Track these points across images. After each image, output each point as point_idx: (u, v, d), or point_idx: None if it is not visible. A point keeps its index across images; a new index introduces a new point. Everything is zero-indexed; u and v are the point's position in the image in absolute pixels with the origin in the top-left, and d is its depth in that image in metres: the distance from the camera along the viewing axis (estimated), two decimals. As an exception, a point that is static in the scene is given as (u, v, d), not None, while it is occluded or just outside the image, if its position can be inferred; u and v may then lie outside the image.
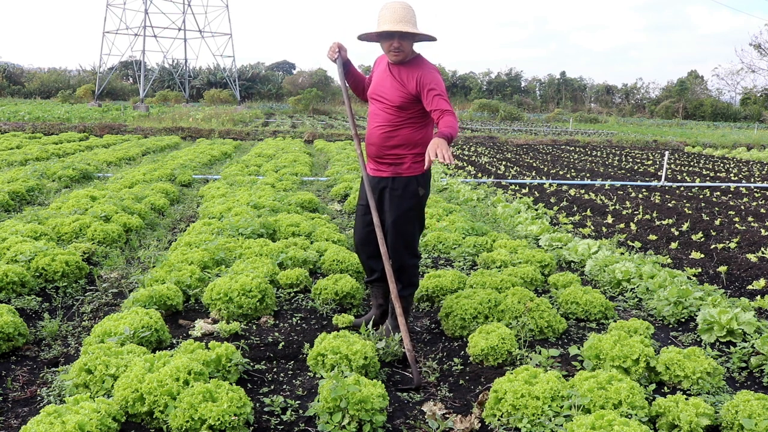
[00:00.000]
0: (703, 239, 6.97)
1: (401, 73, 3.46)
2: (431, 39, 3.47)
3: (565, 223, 7.72)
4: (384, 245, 3.53)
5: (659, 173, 13.91)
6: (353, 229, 3.99)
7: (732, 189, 11.76)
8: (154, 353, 3.10)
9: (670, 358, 3.22)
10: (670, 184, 12.09)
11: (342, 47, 3.69)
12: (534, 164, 15.38)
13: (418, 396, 3.16)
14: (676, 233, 7.18)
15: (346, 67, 3.72)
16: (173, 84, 58.58)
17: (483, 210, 8.38)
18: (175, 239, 6.07)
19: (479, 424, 2.84)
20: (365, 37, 3.52)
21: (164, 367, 2.79)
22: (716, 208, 9.20)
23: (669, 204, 9.44)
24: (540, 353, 3.51)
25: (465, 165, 14.49)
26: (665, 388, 3.20)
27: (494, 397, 2.86)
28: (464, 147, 20.88)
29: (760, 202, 10.04)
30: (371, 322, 3.85)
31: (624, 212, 8.60)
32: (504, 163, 15.42)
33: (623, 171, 14.49)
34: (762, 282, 5.06)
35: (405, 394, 3.15)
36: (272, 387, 3.16)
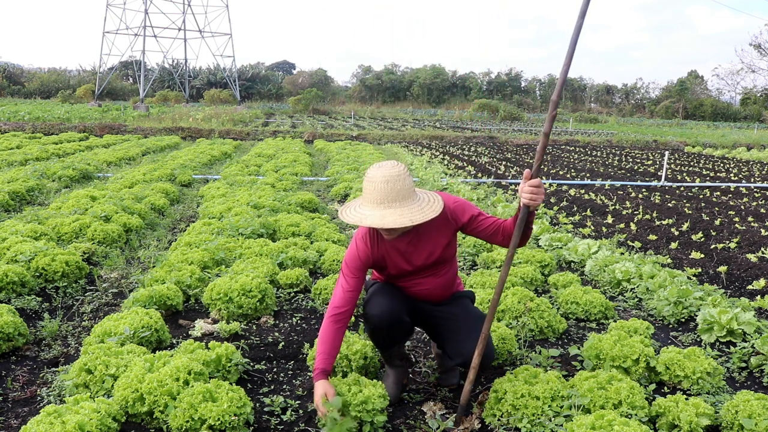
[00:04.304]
0: (703, 239, 6.97)
1: (429, 224, 2.73)
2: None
3: (565, 223, 7.72)
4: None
5: (659, 173, 13.91)
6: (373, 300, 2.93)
7: (732, 189, 11.76)
8: (154, 353, 3.10)
9: (670, 358, 3.22)
10: (670, 184, 12.09)
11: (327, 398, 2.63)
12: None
13: (418, 396, 3.16)
14: (676, 233, 7.18)
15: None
16: (173, 84, 58.63)
17: (483, 210, 8.38)
18: (175, 239, 6.07)
19: (479, 424, 2.84)
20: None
21: (164, 367, 2.79)
22: (716, 208, 9.19)
23: (669, 204, 9.44)
24: (540, 353, 3.51)
25: (465, 165, 14.49)
26: (665, 388, 3.20)
27: (494, 397, 2.85)
28: (464, 147, 20.88)
29: (760, 202, 10.04)
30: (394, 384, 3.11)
31: (624, 212, 8.60)
32: (504, 163, 15.42)
33: (623, 171, 14.49)
34: (762, 282, 5.05)
35: (405, 393, 3.15)
36: (272, 387, 3.16)
